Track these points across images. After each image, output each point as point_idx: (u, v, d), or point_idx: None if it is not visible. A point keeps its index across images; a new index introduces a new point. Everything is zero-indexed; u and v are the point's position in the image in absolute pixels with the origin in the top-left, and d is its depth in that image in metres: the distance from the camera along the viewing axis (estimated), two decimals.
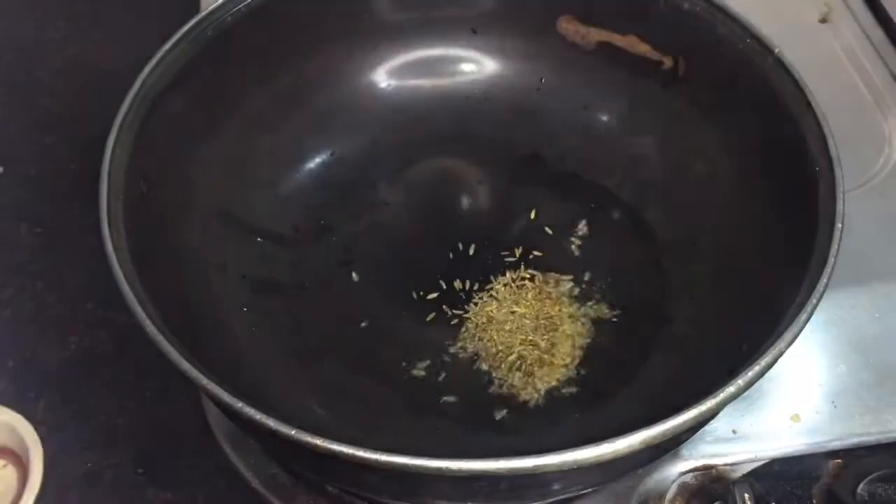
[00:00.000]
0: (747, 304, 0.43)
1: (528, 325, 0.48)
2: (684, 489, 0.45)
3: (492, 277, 0.50)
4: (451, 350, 0.48)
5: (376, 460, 0.32)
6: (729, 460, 0.45)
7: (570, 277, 0.50)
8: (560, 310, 0.49)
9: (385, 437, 0.42)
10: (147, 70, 0.44)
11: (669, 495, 0.44)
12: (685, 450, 0.45)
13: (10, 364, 0.51)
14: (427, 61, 0.56)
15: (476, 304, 0.49)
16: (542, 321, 0.48)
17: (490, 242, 0.52)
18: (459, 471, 0.32)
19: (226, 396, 0.34)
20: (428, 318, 0.49)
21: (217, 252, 0.48)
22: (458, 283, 0.50)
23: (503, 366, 0.47)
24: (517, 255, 0.51)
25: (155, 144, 0.44)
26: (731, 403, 0.34)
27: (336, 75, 0.54)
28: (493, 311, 0.48)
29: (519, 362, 0.47)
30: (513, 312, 0.48)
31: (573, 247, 0.52)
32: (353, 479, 0.38)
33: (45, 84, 0.65)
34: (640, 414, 0.34)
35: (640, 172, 0.53)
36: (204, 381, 0.35)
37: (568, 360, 0.47)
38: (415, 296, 0.49)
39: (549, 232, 0.52)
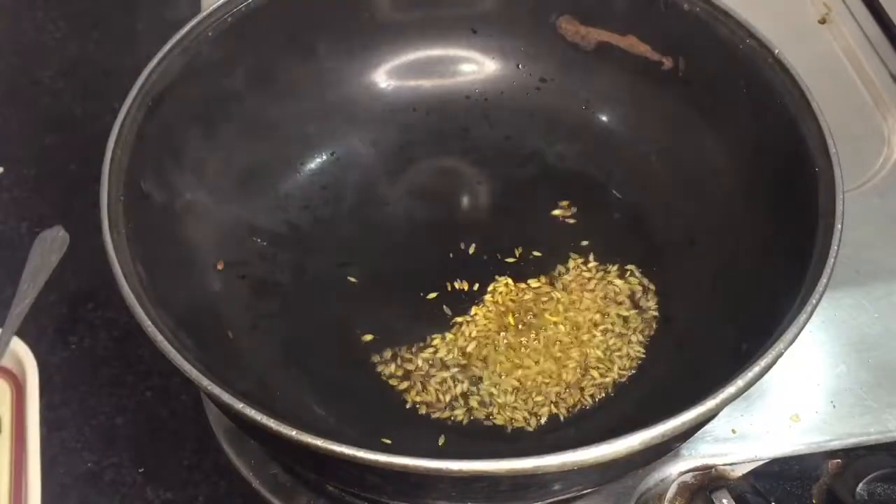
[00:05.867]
0: (747, 304, 0.43)
1: (526, 325, 0.48)
2: (684, 489, 0.45)
3: (492, 277, 0.50)
4: (451, 351, 0.48)
5: (377, 461, 0.32)
6: (729, 460, 0.45)
7: (569, 276, 0.50)
8: (558, 309, 0.49)
9: (385, 438, 0.42)
10: (147, 70, 0.44)
11: (669, 495, 0.44)
12: (685, 449, 0.45)
13: None
14: (427, 61, 0.56)
15: (476, 304, 0.49)
16: (542, 321, 0.48)
17: (490, 242, 0.52)
18: (460, 472, 0.32)
19: (226, 397, 0.34)
20: (428, 319, 0.49)
21: (217, 252, 0.48)
22: (458, 283, 0.50)
23: (501, 367, 0.47)
24: (517, 255, 0.51)
25: (155, 145, 0.44)
26: (731, 403, 0.34)
27: (336, 75, 0.54)
28: (492, 313, 0.48)
29: (516, 363, 0.47)
30: (513, 313, 0.48)
31: (573, 246, 0.52)
32: (354, 479, 0.38)
33: (45, 84, 0.65)
34: (639, 414, 0.34)
35: (639, 172, 0.53)
36: (204, 381, 0.35)
37: (567, 361, 0.47)
38: (415, 296, 0.49)
39: (549, 232, 0.52)
